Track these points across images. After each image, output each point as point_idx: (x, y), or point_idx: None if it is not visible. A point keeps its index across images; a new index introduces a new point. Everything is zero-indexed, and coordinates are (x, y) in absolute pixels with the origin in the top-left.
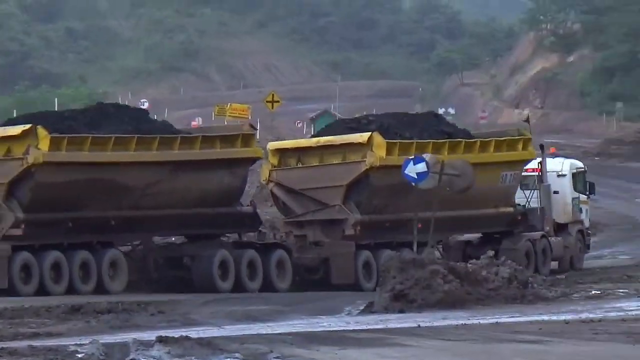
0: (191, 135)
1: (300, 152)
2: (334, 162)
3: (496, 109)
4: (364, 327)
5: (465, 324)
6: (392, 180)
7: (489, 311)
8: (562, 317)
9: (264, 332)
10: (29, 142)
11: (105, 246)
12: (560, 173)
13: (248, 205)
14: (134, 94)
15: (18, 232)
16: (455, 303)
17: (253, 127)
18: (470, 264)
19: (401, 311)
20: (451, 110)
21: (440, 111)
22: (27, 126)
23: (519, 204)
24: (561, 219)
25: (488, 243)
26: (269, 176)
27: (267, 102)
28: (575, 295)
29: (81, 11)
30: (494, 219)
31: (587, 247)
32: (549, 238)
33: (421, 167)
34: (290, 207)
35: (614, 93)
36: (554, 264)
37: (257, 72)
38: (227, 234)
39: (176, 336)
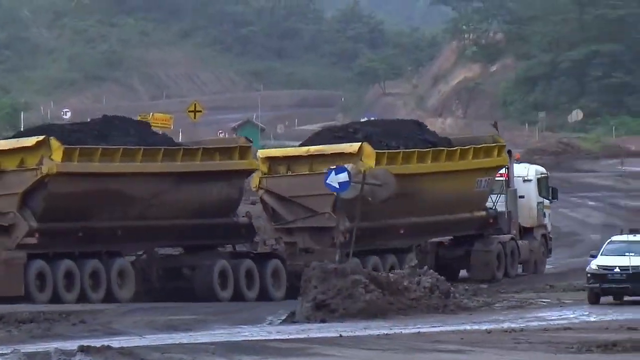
0: (193, 147)
1: (290, 160)
2: (324, 171)
3: (419, 119)
4: (286, 336)
5: (387, 333)
6: None
7: (410, 321)
8: (484, 327)
9: (186, 342)
10: (43, 153)
11: (113, 256)
12: (526, 178)
13: (244, 217)
14: (56, 104)
15: (32, 240)
16: (377, 313)
17: (249, 140)
18: (392, 273)
19: (323, 321)
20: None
21: (363, 121)
22: (41, 137)
23: (490, 208)
24: (526, 223)
25: (459, 245)
26: (259, 183)
27: (189, 111)
28: (497, 304)
29: (3, 21)
30: (468, 222)
31: (549, 251)
32: (517, 241)
33: (343, 176)
34: (279, 213)
35: (537, 102)
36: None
37: (179, 81)
38: (224, 245)
39: (98, 346)
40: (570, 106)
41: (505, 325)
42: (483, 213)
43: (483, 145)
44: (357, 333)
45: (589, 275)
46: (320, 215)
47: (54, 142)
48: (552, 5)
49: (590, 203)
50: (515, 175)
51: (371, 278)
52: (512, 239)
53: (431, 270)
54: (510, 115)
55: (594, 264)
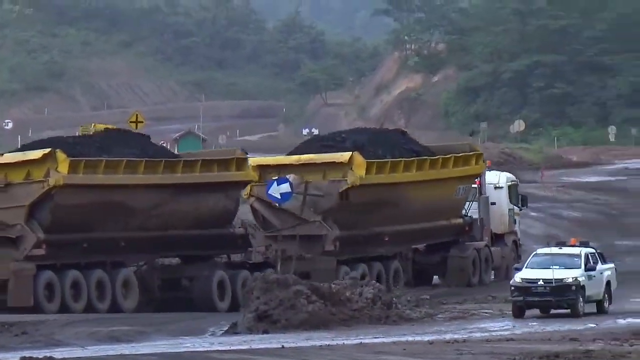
0: (192, 159)
1: (281, 168)
2: (315, 180)
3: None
4: (228, 347)
5: (329, 344)
6: (369, 197)
7: (353, 332)
8: (426, 338)
9: (128, 353)
10: (49, 166)
11: (117, 266)
12: (497, 185)
13: (240, 227)
14: None
15: (40, 252)
16: (320, 324)
17: (245, 152)
18: (334, 284)
19: (265, 332)
20: (315, 131)
21: (304, 131)
22: (47, 150)
23: (465, 215)
24: (498, 230)
25: (435, 252)
26: (249, 191)
27: (130, 122)
28: (440, 315)
29: None
30: (446, 229)
31: (519, 257)
32: (490, 248)
33: (285, 187)
34: (270, 221)
35: (478, 113)
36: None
37: (121, 92)
38: (220, 255)
39: (40, 357)
40: (512, 117)
41: (448, 336)
42: (460, 220)
43: (463, 154)
44: (300, 344)
45: (512, 288)
46: (310, 223)
47: (60, 155)
48: (493, 16)
49: (533, 214)
50: (487, 182)
51: (313, 289)
52: (486, 245)
53: (373, 281)
54: (452, 125)
55: (518, 277)
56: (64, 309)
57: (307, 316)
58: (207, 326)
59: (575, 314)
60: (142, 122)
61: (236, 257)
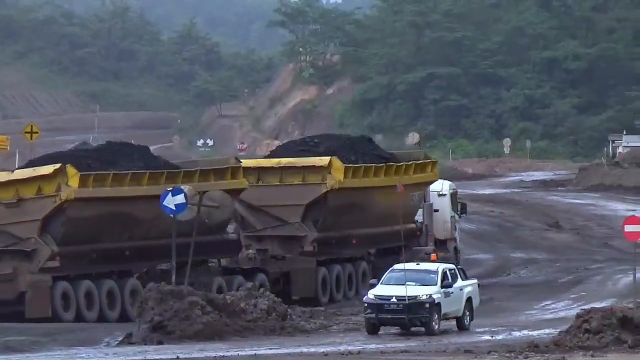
0: (191, 170)
1: (261, 170)
2: (295, 183)
3: (255, 141)
4: (123, 358)
5: (223, 355)
6: (344, 200)
7: (247, 343)
8: (321, 350)
9: None
10: (59, 181)
11: (124, 275)
12: (440, 193)
13: (232, 233)
14: None
15: (55, 264)
16: (214, 334)
17: (239, 161)
18: (228, 295)
19: (160, 342)
20: (209, 142)
21: (199, 143)
22: (57, 165)
23: (416, 221)
24: (441, 236)
25: (387, 255)
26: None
27: (26, 133)
28: (334, 327)
29: None
30: (397, 234)
31: (459, 262)
32: (437, 253)
33: (180, 198)
34: (249, 221)
35: (373, 125)
36: None
37: (16, 102)
38: (213, 259)
39: None
40: (407, 129)
41: (342, 347)
42: (413, 225)
43: (422, 161)
44: (194, 355)
45: (365, 305)
46: (290, 224)
47: (70, 170)
48: (389, 27)
49: None
50: (430, 190)
51: (208, 300)
52: (434, 250)
53: (268, 292)
54: None
55: (371, 294)
56: (79, 318)
57: (201, 327)
58: (103, 336)
59: (429, 332)
60: (37, 132)
61: (224, 261)
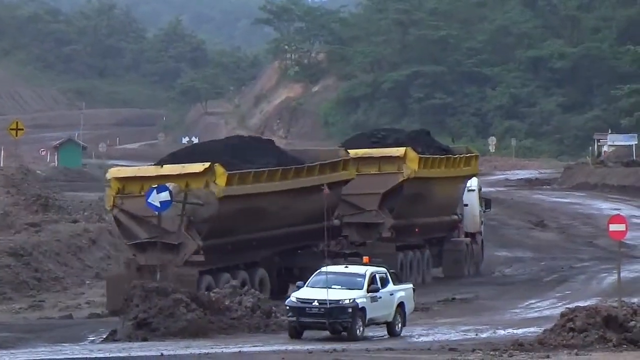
0: (312, 164)
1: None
2: (371, 172)
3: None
4: (107, 355)
5: (208, 353)
6: (416, 190)
7: (232, 340)
8: (306, 347)
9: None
10: (207, 179)
11: (253, 266)
12: (470, 188)
13: (336, 219)
14: None
15: (200, 258)
16: (199, 332)
17: (347, 152)
18: (213, 293)
19: (144, 339)
20: (195, 139)
21: (184, 140)
22: (207, 164)
23: (458, 213)
24: (470, 229)
25: (431, 245)
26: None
27: (10, 129)
28: None
29: None
30: (445, 224)
31: (483, 257)
32: (472, 244)
33: (164, 195)
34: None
35: (358, 123)
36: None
37: (1, 100)
38: (317, 244)
39: None
40: (392, 127)
41: (327, 345)
42: (455, 217)
43: (470, 154)
44: (179, 352)
45: (287, 308)
46: (367, 212)
47: (219, 169)
48: (374, 26)
49: None
50: None
51: (192, 297)
52: (471, 241)
53: (252, 290)
54: (332, 135)
55: (294, 296)
56: None
57: (186, 324)
58: (87, 333)
59: (352, 338)
60: (22, 129)
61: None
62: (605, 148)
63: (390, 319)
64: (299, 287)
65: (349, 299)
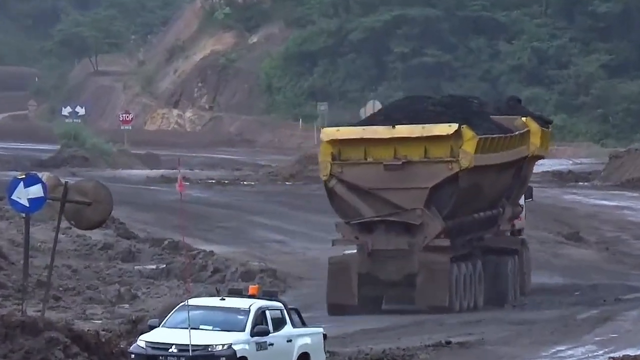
0: (523, 131)
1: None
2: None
3: (146, 109)
4: None
5: None
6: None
7: None
8: None
9: None
10: (452, 144)
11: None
12: None
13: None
14: None
15: (444, 242)
16: None
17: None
18: (104, 331)
19: None
20: (80, 110)
21: (65, 111)
22: (454, 125)
23: (520, 205)
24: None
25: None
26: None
27: None
28: None
29: None
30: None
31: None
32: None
33: (36, 190)
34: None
35: (314, 89)
36: None
37: None
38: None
39: None
40: (364, 95)
41: None
42: (519, 208)
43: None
44: None
45: (132, 356)
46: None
47: (467, 132)
48: None
49: None
50: None
51: (73, 337)
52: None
53: None
54: (278, 106)
55: (142, 340)
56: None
57: None
58: None
59: None
60: None
61: None
62: None
63: None
64: (151, 327)
65: (223, 345)
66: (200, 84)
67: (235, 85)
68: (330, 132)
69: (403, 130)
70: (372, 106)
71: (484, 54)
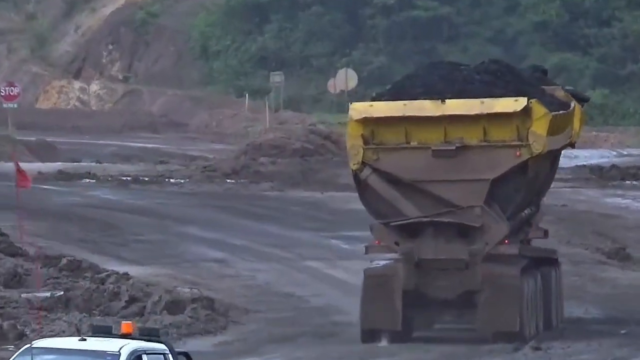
0: (572, 109)
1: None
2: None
3: (37, 79)
4: None
5: None
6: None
7: None
8: None
9: None
10: (518, 124)
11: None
12: None
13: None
14: None
15: (513, 249)
16: None
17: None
18: None
19: None
20: None
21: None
22: (523, 99)
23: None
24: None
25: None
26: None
27: None
28: None
29: None
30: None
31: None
32: None
33: None
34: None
35: (266, 54)
36: None
37: None
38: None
39: None
40: (331, 63)
41: None
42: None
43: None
44: None
45: None
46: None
47: (538, 108)
48: None
49: None
50: None
51: None
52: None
53: None
54: (216, 78)
55: None
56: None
57: None
58: None
59: None
60: None
61: None
62: None
63: None
64: None
65: None
66: (110, 47)
67: (158, 48)
68: (361, 108)
69: (457, 106)
70: (345, 77)
71: (496, 7)
